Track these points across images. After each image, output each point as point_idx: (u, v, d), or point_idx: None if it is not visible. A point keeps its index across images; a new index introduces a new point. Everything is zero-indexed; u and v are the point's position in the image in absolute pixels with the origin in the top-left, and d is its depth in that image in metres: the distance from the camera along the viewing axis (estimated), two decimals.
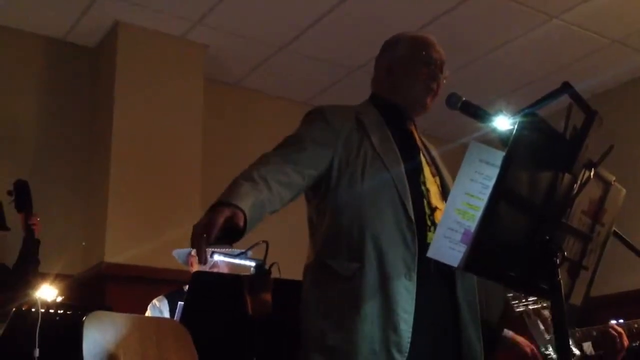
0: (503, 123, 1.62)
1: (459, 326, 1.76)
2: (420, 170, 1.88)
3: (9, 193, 3.66)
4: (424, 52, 1.97)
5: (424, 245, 1.68)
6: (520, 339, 2.78)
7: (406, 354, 1.65)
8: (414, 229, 1.71)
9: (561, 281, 1.38)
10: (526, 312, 2.53)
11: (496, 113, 1.69)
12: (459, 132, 4.27)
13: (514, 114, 1.46)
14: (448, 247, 1.29)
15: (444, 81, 1.99)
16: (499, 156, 1.30)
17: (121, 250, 3.98)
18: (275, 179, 1.67)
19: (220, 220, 1.51)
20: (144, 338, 1.99)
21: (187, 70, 4.48)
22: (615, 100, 5.01)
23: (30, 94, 4.35)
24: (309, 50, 4.56)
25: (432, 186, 1.86)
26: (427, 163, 1.92)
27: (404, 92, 1.95)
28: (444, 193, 1.85)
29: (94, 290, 3.99)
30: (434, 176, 1.90)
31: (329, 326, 1.70)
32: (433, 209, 1.80)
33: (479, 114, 1.79)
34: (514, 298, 2.54)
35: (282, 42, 4.50)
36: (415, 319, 1.68)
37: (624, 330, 2.81)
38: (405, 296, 1.67)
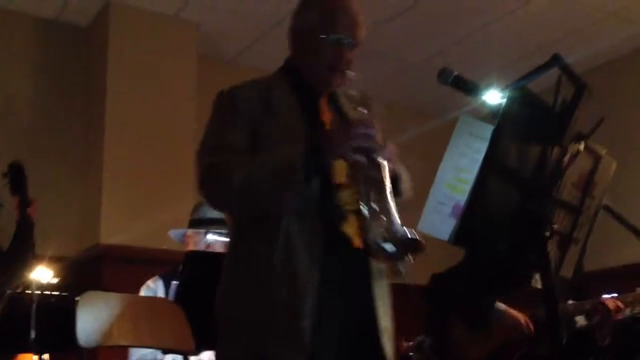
0: (494, 97, 1.61)
1: (372, 302, 1.72)
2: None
3: (4, 175, 3.65)
4: (331, 28, 1.79)
5: (330, 223, 1.67)
6: (512, 311, 2.81)
7: (309, 339, 1.60)
8: (319, 216, 1.67)
9: (551, 254, 1.38)
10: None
11: (487, 87, 1.67)
12: (454, 106, 4.26)
13: (505, 87, 1.45)
14: (438, 221, 1.29)
15: (358, 49, 1.85)
16: (488, 130, 1.30)
17: (117, 231, 3.98)
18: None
19: None
20: (138, 317, 2.00)
21: (179, 48, 4.46)
22: (612, 72, 5.00)
23: (23, 74, 4.33)
24: None
25: (337, 161, 1.74)
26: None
27: (307, 67, 1.84)
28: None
29: (90, 272, 4.00)
30: None
31: (238, 304, 1.70)
32: (335, 187, 1.73)
33: (471, 88, 1.77)
34: None
35: (275, 19, 4.46)
36: (321, 299, 1.64)
37: (615, 303, 2.83)
38: (310, 287, 1.63)
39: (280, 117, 1.77)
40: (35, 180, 3.73)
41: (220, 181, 1.72)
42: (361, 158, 1.62)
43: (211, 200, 1.79)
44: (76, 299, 2.03)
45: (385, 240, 1.52)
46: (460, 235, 1.24)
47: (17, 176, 3.64)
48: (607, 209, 1.78)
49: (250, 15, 4.42)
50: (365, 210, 1.60)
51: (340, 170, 1.74)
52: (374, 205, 1.56)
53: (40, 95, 4.35)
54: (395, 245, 1.51)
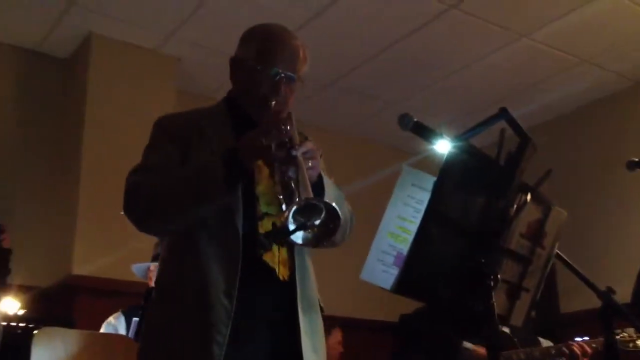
0: (444, 146, 1.64)
1: (297, 337, 1.67)
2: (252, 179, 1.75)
3: None
4: (268, 61, 1.79)
5: (251, 253, 1.65)
6: (479, 350, 2.81)
7: None
8: (238, 243, 1.65)
9: (496, 303, 1.40)
10: None
11: (441, 136, 1.70)
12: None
13: (452, 138, 1.48)
14: (381, 270, 1.31)
15: (301, 84, 1.84)
16: (430, 181, 1.33)
17: (90, 262, 3.96)
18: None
19: None
20: (94, 354, 1.99)
21: (159, 82, 4.50)
22: (583, 119, 5.07)
23: (1, 103, 4.34)
24: None
25: (266, 189, 1.75)
26: (267, 164, 1.76)
27: (244, 98, 1.85)
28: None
29: (60, 303, 3.96)
30: (272, 176, 1.75)
31: (150, 346, 1.70)
32: (261, 216, 1.72)
33: (429, 136, 1.81)
34: None
35: None
36: (236, 340, 1.61)
37: (582, 348, 2.84)
38: (223, 316, 1.60)
39: (211, 144, 1.75)
40: (10, 208, 3.73)
41: (141, 197, 1.70)
42: (279, 153, 1.60)
43: (135, 218, 1.73)
44: (34, 333, 2.02)
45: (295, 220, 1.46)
46: (401, 285, 1.25)
47: None
48: (560, 258, 1.80)
49: (229, 51, 4.46)
50: (283, 207, 1.57)
51: (263, 174, 1.73)
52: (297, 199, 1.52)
53: (18, 124, 4.36)
54: (302, 223, 1.45)
